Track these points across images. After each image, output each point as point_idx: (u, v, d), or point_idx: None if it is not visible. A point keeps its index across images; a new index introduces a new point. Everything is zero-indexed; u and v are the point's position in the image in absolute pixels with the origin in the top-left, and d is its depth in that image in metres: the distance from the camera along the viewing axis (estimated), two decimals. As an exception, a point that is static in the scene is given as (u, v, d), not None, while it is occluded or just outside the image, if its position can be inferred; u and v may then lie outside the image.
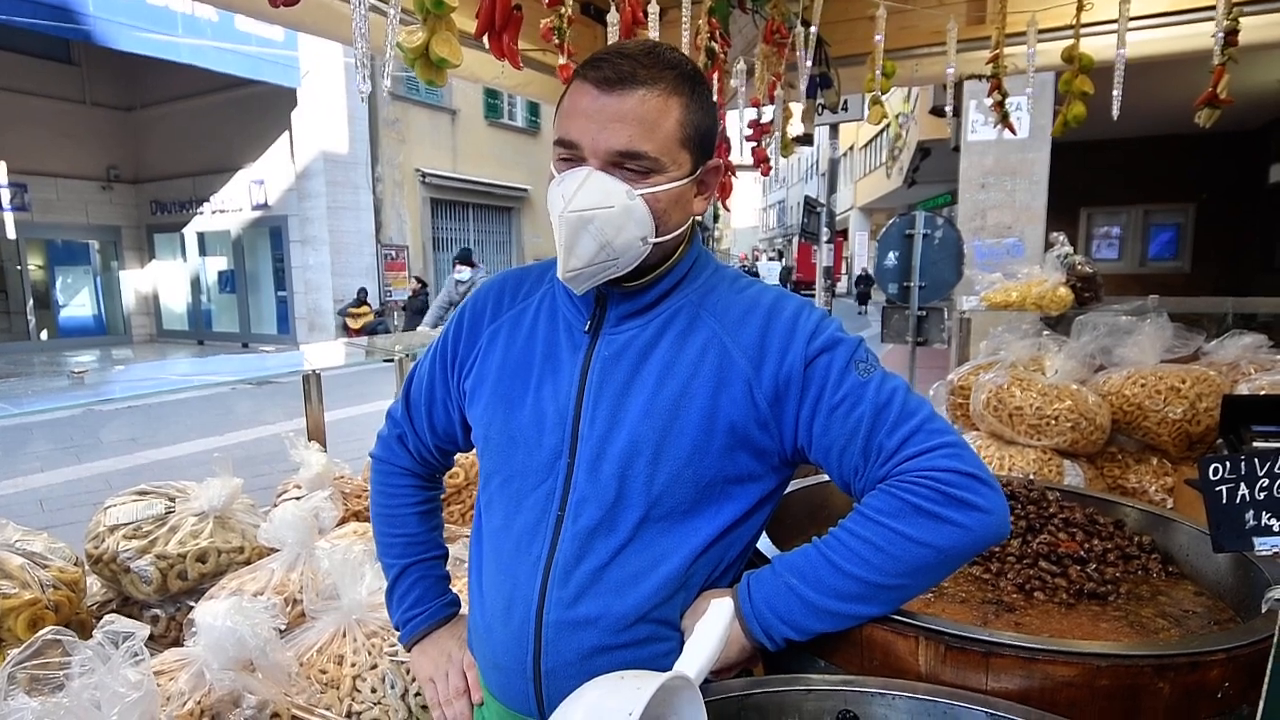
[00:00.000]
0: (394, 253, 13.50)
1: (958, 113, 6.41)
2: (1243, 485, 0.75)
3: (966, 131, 6.90)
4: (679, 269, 0.90)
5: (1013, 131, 2.72)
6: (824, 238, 10.24)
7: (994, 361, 2.21)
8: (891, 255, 5.31)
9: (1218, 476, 0.76)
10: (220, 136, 13.14)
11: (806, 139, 3.09)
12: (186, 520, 1.52)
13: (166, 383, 2.51)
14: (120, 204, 14.24)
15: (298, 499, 1.69)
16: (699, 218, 0.93)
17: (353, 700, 1.20)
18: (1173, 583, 1.10)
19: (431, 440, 1.05)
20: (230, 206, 13.60)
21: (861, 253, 24.52)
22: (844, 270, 27.03)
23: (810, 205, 10.66)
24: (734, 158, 2.59)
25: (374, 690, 1.21)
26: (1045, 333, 2.28)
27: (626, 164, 0.80)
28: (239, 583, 1.42)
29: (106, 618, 0.92)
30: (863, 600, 0.81)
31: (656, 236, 0.83)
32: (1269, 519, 0.74)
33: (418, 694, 1.23)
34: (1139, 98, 2.75)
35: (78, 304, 14.12)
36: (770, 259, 37.16)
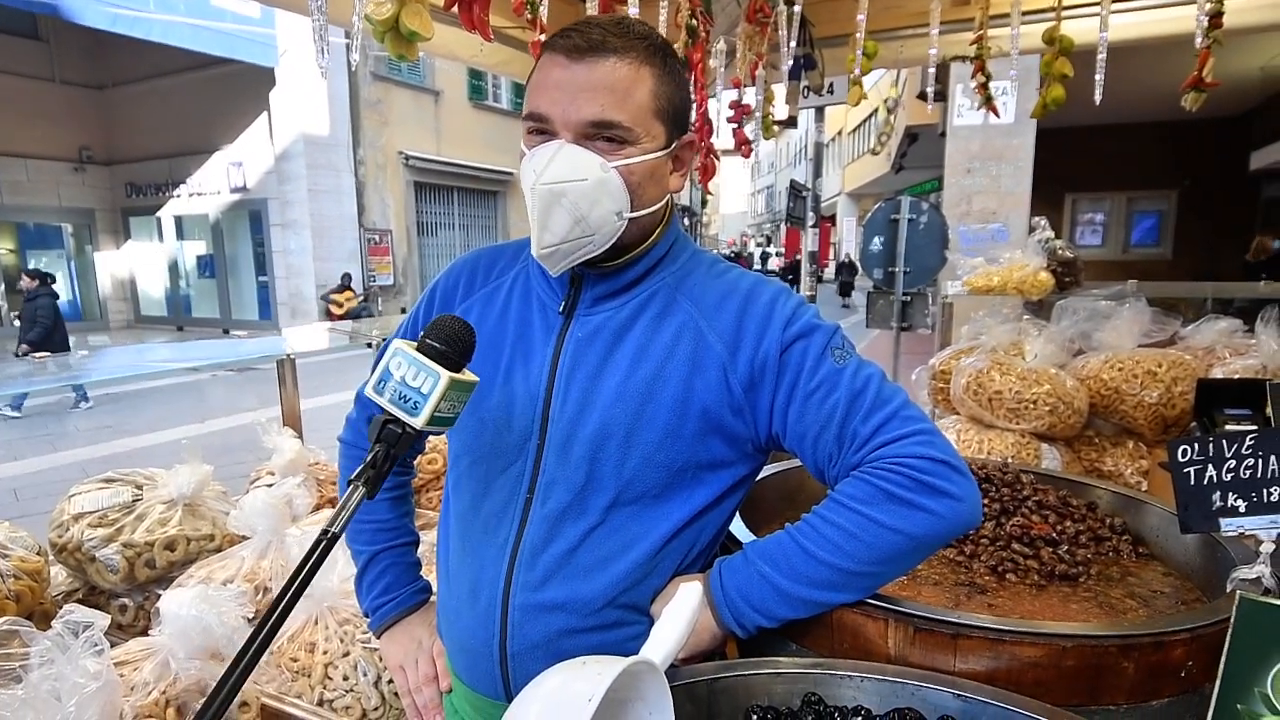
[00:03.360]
0: (377, 237, 13.27)
1: (940, 97, 6.39)
2: (1210, 467, 0.76)
3: (953, 116, 6.89)
4: (656, 250, 0.88)
5: (995, 114, 2.71)
6: (809, 222, 10.24)
7: (975, 346, 2.22)
8: (877, 240, 5.31)
9: (1186, 458, 0.76)
10: (196, 117, 12.81)
11: (790, 121, 3.06)
12: (155, 508, 1.49)
13: (138, 369, 2.45)
14: (93, 186, 13.88)
15: (270, 486, 1.66)
16: (678, 198, 0.91)
17: (324, 688, 1.19)
18: (1142, 564, 1.11)
19: (401, 424, 1.03)
20: (208, 189, 13.30)
21: (849, 238, 24.47)
22: (831, 256, 26.91)
23: (796, 190, 10.64)
24: (716, 141, 2.55)
25: (346, 678, 1.20)
26: (1026, 317, 2.29)
27: (599, 135, 0.78)
28: (208, 571, 1.40)
29: (66, 607, 0.90)
30: (834, 587, 0.80)
31: (632, 211, 0.81)
32: (1235, 500, 0.75)
33: (390, 681, 1.22)
34: (1123, 84, 2.75)
35: (52, 288, 13.78)
36: (758, 244, 36.99)
